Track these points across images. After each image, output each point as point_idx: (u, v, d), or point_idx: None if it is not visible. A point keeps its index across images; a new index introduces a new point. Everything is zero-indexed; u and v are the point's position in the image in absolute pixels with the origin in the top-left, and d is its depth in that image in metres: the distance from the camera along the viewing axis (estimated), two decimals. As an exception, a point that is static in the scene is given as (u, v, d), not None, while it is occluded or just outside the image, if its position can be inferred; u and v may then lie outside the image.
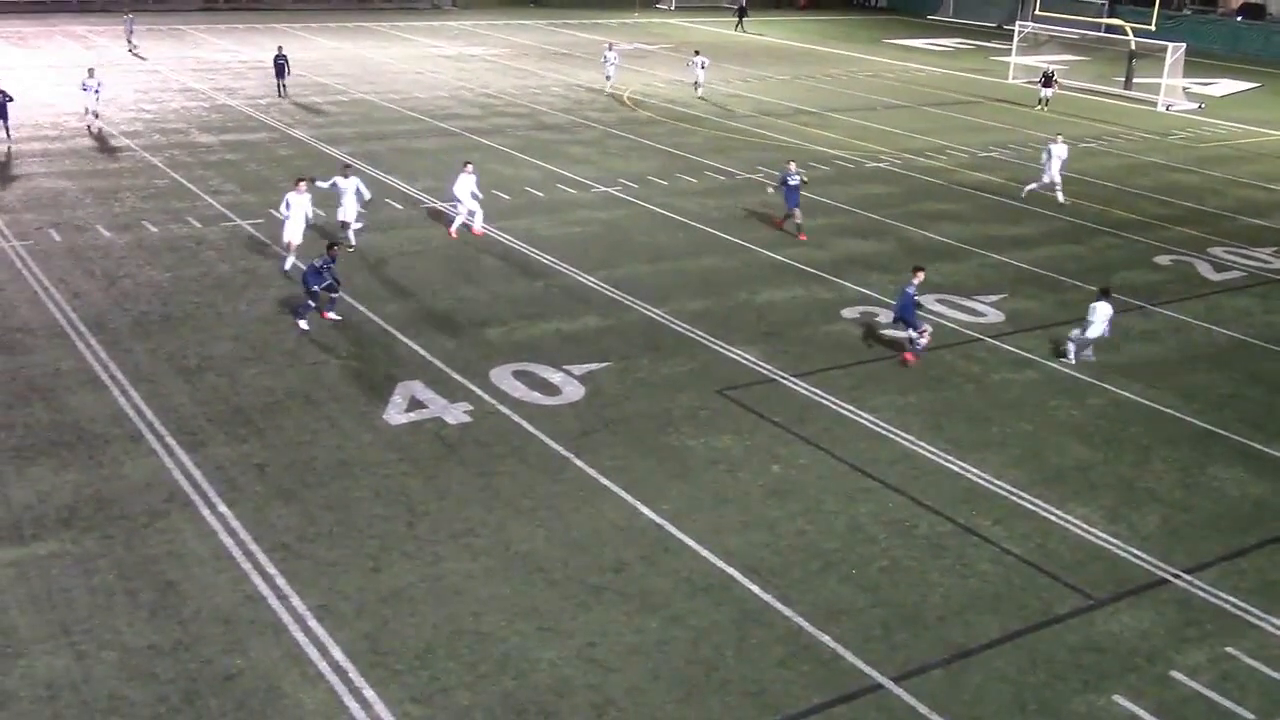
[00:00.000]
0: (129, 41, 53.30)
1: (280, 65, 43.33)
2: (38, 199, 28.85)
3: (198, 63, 50.34)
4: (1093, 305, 21.71)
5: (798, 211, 28.54)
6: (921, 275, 21.70)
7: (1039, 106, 49.21)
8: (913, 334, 21.47)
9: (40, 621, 13.13)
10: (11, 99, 31.79)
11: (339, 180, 26.08)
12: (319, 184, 26.11)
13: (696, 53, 49.23)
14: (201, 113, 40.11)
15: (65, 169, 31.60)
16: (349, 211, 26.19)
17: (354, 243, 26.03)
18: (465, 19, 71.21)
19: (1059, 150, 33.19)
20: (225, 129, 37.81)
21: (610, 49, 48.74)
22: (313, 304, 21.88)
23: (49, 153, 33.35)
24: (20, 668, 12.38)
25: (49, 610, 13.34)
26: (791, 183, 28.50)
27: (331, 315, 22.10)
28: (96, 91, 36.14)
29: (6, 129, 32.16)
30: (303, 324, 21.66)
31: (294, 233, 24.52)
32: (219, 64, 50.36)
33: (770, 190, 29.96)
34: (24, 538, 14.69)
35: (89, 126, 36.26)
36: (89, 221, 27.35)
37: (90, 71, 36.69)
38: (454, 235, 27.59)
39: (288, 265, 24.44)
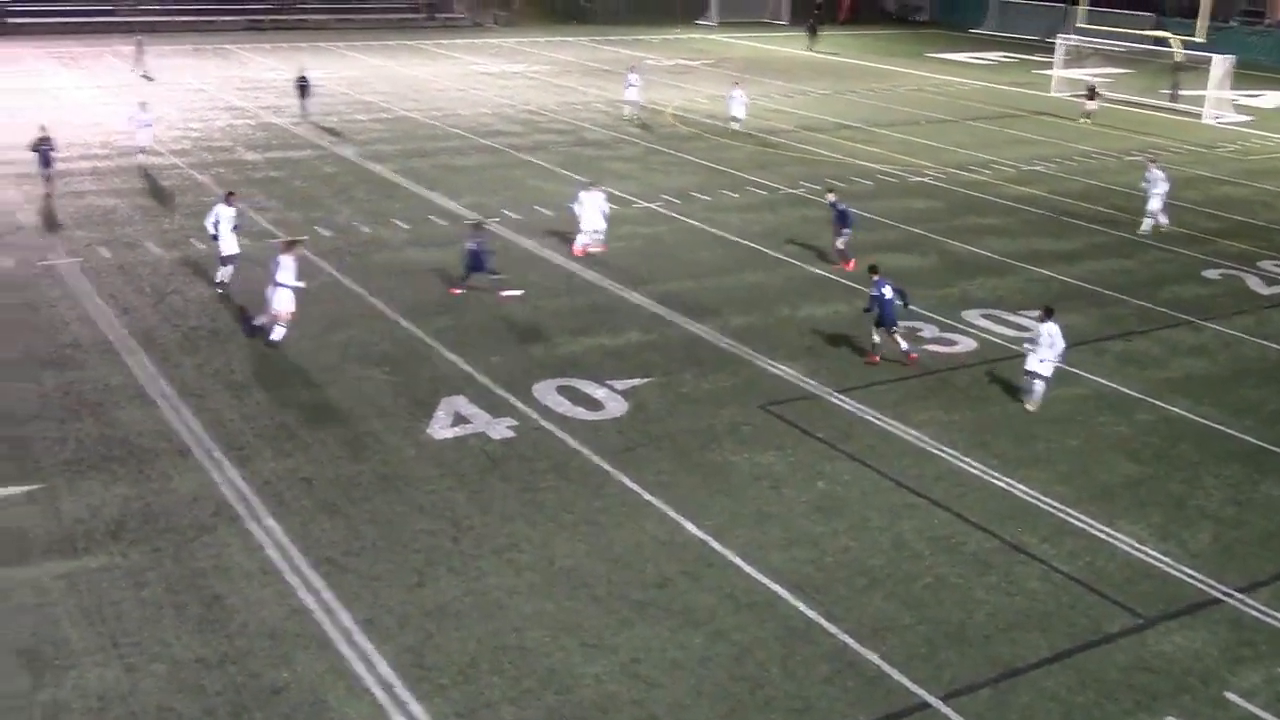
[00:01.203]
0: (139, 64, 51.80)
1: (303, 87, 42.71)
2: (88, 216, 29.27)
3: (243, 81, 50.92)
4: (1040, 328, 20.04)
5: (843, 240, 27.49)
6: (877, 276, 21.63)
7: (1083, 120, 48.85)
8: (891, 340, 21.69)
9: (91, 633, 13.28)
10: (54, 149, 30.55)
11: (583, 195, 27.51)
12: (571, 206, 27.51)
13: (736, 83, 44.67)
14: (247, 130, 40.57)
15: (115, 187, 32.04)
16: (592, 222, 27.36)
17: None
18: (508, 36, 71.65)
19: (1157, 175, 31.31)
20: (270, 146, 38.22)
21: (632, 71, 46.32)
22: (467, 281, 24.39)
23: (98, 171, 33.83)
24: (72, 679, 12.52)
25: (99, 622, 13.48)
26: (840, 207, 27.38)
27: (510, 292, 24.52)
28: (149, 125, 34.67)
29: (49, 177, 30.97)
30: (456, 291, 24.49)
31: (228, 246, 24.01)
32: (264, 82, 50.92)
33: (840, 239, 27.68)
34: (75, 550, 14.87)
35: (140, 164, 34.41)
36: (138, 238, 27.71)
37: (143, 105, 35.23)
38: (580, 253, 27.54)
39: (222, 277, 24.31)
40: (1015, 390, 21.01)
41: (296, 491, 16.57)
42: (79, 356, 20.85)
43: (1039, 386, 20.16)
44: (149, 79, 50.36)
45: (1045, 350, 19.90)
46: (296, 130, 40.85)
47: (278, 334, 21.47)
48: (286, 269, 21.32)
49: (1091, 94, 49.52)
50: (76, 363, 20.58)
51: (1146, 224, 31.64)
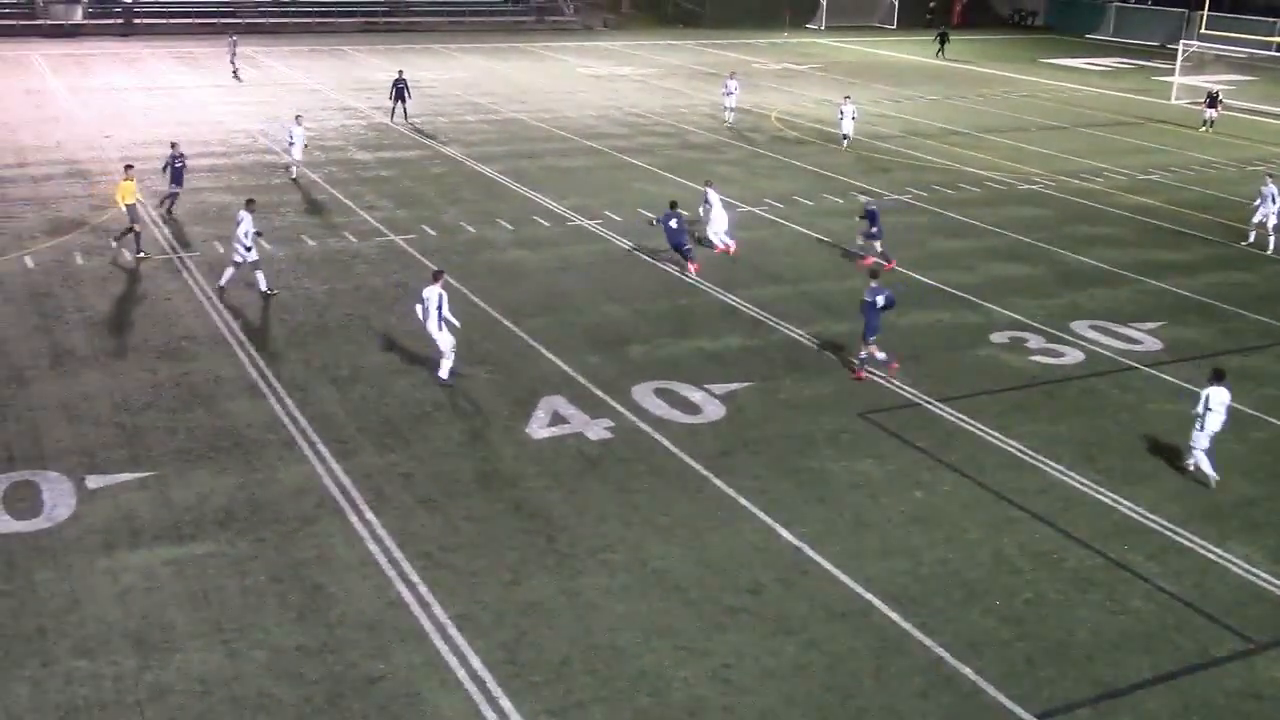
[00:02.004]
0: (232, 64, 52.61)
1: (400, 89, 42.83)
2: (204, 213, 30.10)
3: (356, 82, 51.95)
4: (1206, 392, 17.79)
5: (877, 244, 27.47)
6: (874, 283, 21.01)
7: (1203, 129, 47.50)
8: (869, 351, 20.96)
9: (196, 619, 13.64)
10: (185, 163, 30.66)
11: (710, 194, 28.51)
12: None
13: (846, 98, 42.01)
14: (359, 131, 41.37)
15: (230, 184, 32.91)
16: (719, 225, 28.32)
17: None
18: (615, 39, 72.02)
19: (1272, 190, 30.10)
20: (382, 146, 38.92)
21: (731, 78, 45.34)
22: (686, 258, 26.32)
23: (216, 168, 34.78)
24: (176, 662, 12.88)
25: (204, 608, 13.85)
26: (871, 207, 27.72)
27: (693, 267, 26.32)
28: (303, 142, 33.83)
29: (172, 202, 30.08)
30: (693, 268, 26.36)
31: (244, 251, 23.89)
32: (377, 83, 51.84)
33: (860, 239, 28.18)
34: (183, 537, 15.30)
35: (294, 177, 33.85)
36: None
37: (298, 119, 34.39)
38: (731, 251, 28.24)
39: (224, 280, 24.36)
40: (1125, 404, 20.51)
41: (396, 486, 16.85)
42: (192, 349, 21.44)
43: (1205, 459, 17.94)
44: (239, 79, 51.41)
45: (1215, 419, 17.65)
46: (406, 130, 41.55)
47: (446, 370, 20.26)
48: (435, 301, 19.87)
49: (1212, 101, 48.09)
50: (190, 355, 21.18)
51: (1252, 235, 30.79)
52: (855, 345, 21.53)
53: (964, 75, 62.16)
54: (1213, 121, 47.61)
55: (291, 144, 33.73)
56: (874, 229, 27.47)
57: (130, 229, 26.29)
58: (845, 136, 41.05)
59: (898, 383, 20.99)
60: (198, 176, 33.50)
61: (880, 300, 20.76)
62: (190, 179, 33.22)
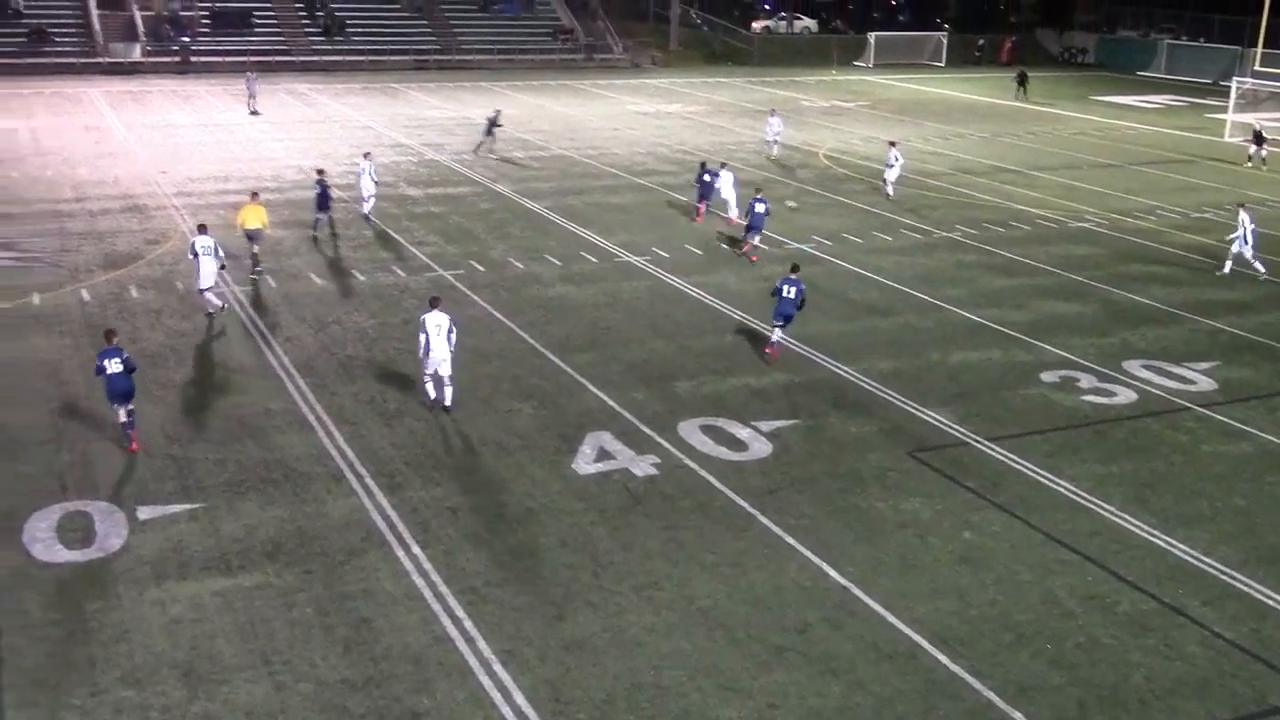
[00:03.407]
0: (251, 101, 52.72)
1: (492, 123, 44.20)
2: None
3: (408, 119, 52.56)
4: None
5: (756, 236, 30.88)
6: (795, 274, 23.55)
7: (1250, 165, 46.96)
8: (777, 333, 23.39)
9: (243, 650, 13.71)
10: (328, 189, 31.49)
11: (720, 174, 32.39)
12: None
13: (892, 144, 40.20)
14: (410, 167, 41.81)
15: (283, 219, 33.28)
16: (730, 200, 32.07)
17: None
18: (664, 77, 72.45)
19: (1244, 218, 30.66)
20: (431, 183, 39.31)
21: (773, 114, 45.91)
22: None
23: (269, 204, 35.06)
24: (223, 693, 12.93)
25: (251, 640, 13.91)
26: (759, 209, 30.66)
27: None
28: (372, 175, 33.51)
29: (316, 227, 31.40)
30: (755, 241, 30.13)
31: (207, 274, 24.34)
32: (428, 120, 52.49)
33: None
34: (231, 568, 15.40)
35: (367, 215, 33.72)
36: (302, 269, 28.75)
37: (366, 154, 35.01)
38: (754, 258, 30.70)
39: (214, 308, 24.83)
40: (1179, 445, 20.20)
41: (443, 520, 16.88)
42: (243, 381, 21.67)
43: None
44: (256, 113, 52.11)
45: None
46: (456, 167, 41.94)
47: (449, 398, 20.54)
48: (446, 328, 20.17)
49: (1259, 139, 47.58)
50: (241, 387, 21.40)
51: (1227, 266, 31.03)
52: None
53: (1014, 113, 61.91)
54: (1264, 159, 47.07)
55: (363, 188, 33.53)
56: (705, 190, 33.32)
57: (255, 245, 27.89)
58: (886, 181, 38.89)
59: (947, 421, 20.82)
60: (251, 211, 33.93)
61: (791, 291, 23.03)
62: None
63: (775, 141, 45.36)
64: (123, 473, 17.89)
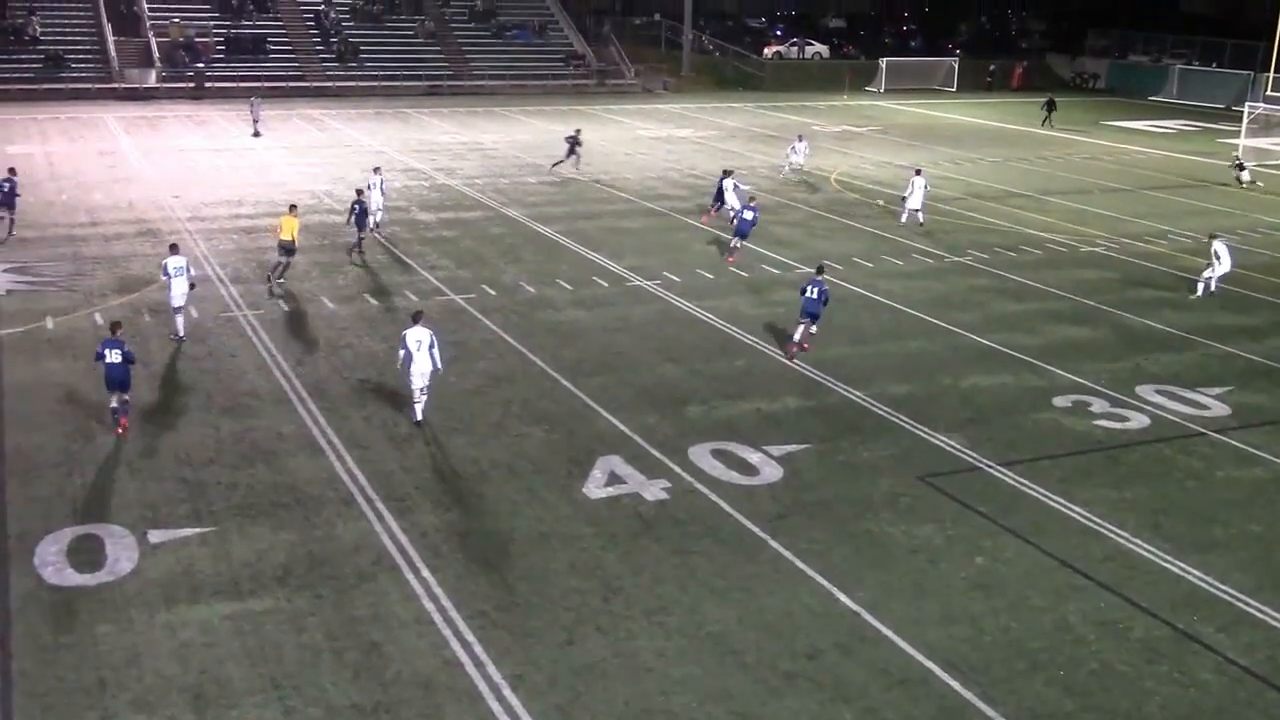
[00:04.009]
0: (254, 124, 53.54)
1: (573, 143, 45.99)
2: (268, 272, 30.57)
3: (420, 144, 52.81)
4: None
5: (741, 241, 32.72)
6: (820, 275, 25.17)
7: (1243, 186, 47.41)
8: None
9: (252, 674, 13.68)
10: (364, 207, 32.18)
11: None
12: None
13: (918, 171, 39.31)
14: (422, 191, 41.97)
15: (298, 244, 33.36)
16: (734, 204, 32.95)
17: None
18: (675, 102, 72.70)
19: (1219, 247, 30.87)
20: (443, 207, 39.45)
21: (800, 140, 47.22)
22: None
23: (280, 229, 35.29)
24: (233, 718, 12.91)
25: (261, 664, 13.89)
26: (748, 216, 32.41)
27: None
28: (381, 189, 34.38)
29: (357, 246, 32.03)
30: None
31: (179, 294, 24.67)
32: (440, 145, 52.71)
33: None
34: (241, 593, 15.39)
35: (377, 227, 34.22)
36: (314, 293, 28.84)
37: (376, 169, 35.69)
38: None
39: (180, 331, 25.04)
40: (1192, 470, 20.10)
41: (453, 544, 16.87)
42: (255, 405, 21.71)
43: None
44: (258, 135, 52.81)
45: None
46: (468, 191, 42.10)
47: (419, 412, 20.98)
48: (426, 342, 20.63)
49: (1240, 166, 48.74)
50: (252, 411, 21.44)
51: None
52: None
53: (1025, 137, 61.97)
54: (1254, 181, 47.64)
55: (373, 205, 33.89)
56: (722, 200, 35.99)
57: (288, 256, 29.05)
58: (912, 209, 37.97)
59: (959, 446, 20.76)
60: (263, 236, 34.11)
61: (814, 291, 24.47)
62: (254, 239, 33.86)
63: (796, 166, 46.39)
64: (134, 496, 17.92)
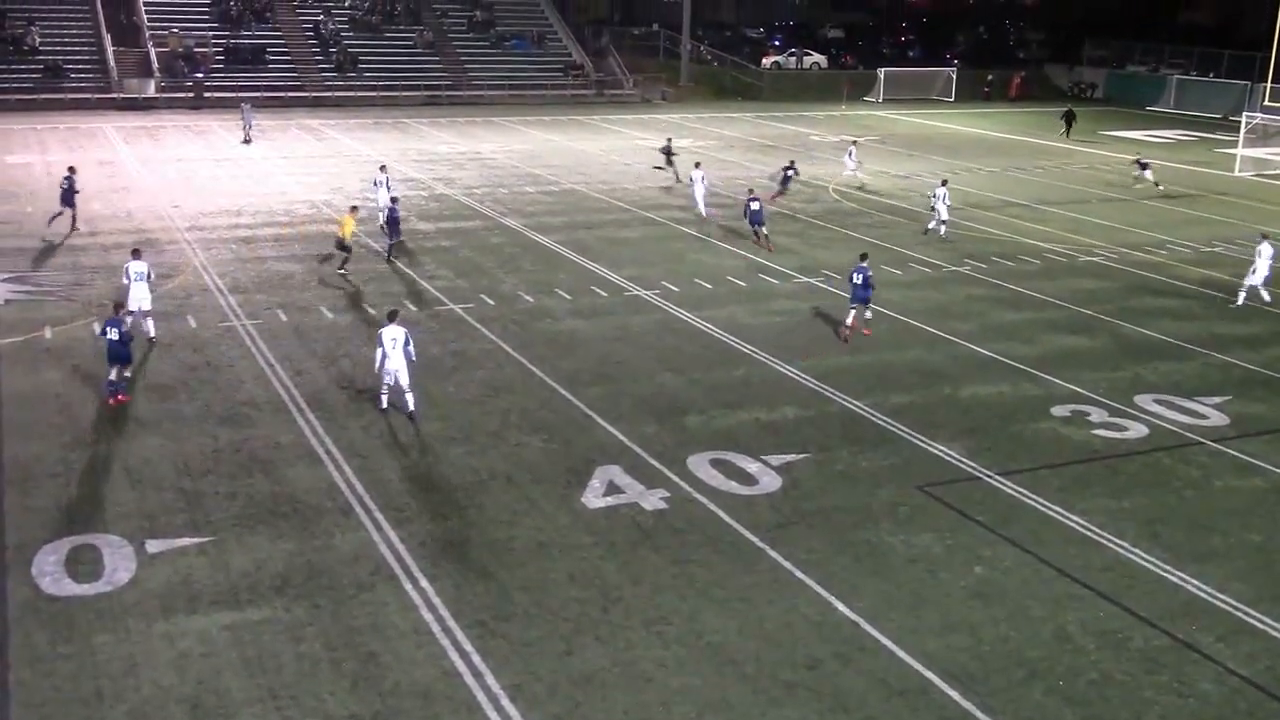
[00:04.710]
0: (245, 133, 54.38)
1: (668, 154, 47.74)
2: (268, 281, 30.61)
3: (419, 154, 52.85)
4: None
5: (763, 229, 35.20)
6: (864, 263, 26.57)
7: (1139, 185, 48.71)
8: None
9: (250, 685, 13.65)
10: (398, 214, 33.83)
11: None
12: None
13: (943, 182, 39.67)
14: (421, 201, 41.99)
15: (294, 253, 33.47)
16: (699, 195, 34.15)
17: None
18: (674, 112, 72.80)
19: (1266, 250, 30.79)
20: (442, 217, 39.47)
21: (854, 144, 50.84)
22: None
23: (280, 238, 35.42)
24: (230, 729, 12.88)
25: (259, 674, 13.86)
26: (754, 207, 35.18)
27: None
28: (388, 186, 36.17)
29: (390, 251, 32.96)
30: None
31: (139, 299, 24.95)
32: (438, 155, 52.75)
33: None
34: (240, 603, 15.37)
35: (382, 227, 34.77)
36: (313, 303, 28.84)
37: (383, 167, 38.81)
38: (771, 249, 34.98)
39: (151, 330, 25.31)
40: (1191, 480, 20.10)
41: (452, 554, 16.84)
42: (253, 415, 21.69)
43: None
44: (248, 142, 53.68)
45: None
46: (467, 201, 42.13)
47: (412, 402, 21.52)
48: (401, 341, 21.26)
49: (1142, 165, 49.54)
50: (251, 421, 21.42)
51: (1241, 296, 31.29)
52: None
53: (1023, 147, 62.06)
54: (1157, 183, 48.51)
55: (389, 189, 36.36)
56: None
57: (344, 251, 31.11)
58: (936, 218, 37.84)
59: (957, 456, 20.76)
60: (262, 245, 34.16)
61: (858, 278, 26.41)
62: (254, 248, 33.89)
63: (853, 173, 48.22)
64: (132, 506, 17.89)
